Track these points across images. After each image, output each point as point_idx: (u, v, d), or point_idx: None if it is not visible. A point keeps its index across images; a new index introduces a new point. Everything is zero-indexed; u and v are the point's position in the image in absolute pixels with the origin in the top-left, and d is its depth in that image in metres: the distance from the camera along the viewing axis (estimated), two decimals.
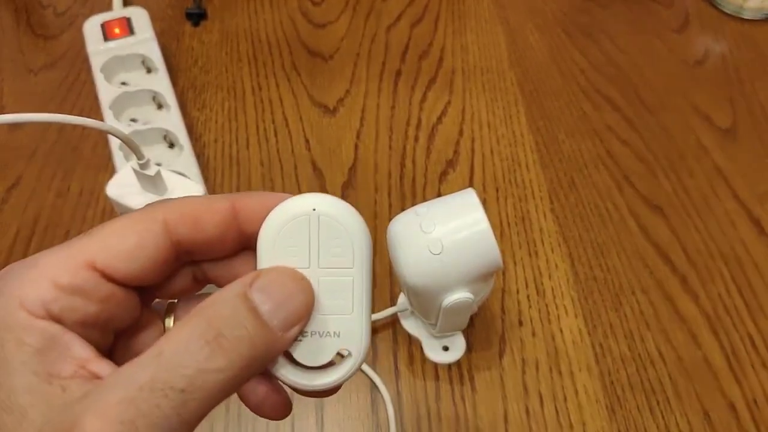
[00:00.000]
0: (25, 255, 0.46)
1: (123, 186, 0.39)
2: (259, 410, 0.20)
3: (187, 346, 0.16)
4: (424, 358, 0.41)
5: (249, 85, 0.56)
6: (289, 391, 0.21)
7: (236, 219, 0.19)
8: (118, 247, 0.18)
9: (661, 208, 0.48)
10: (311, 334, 0.19)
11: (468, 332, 0.41)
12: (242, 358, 0.17)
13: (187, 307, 0.21)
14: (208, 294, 0.18)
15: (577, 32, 0.61)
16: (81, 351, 0.17)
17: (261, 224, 0.19)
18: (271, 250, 0.19)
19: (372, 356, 0.41)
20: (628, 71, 0.57)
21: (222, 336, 0.16)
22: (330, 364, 0.20)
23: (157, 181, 0.38)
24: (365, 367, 0.40)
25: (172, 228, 0.19)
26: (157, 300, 0.21)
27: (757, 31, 0.61)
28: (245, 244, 0.20)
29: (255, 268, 0.20)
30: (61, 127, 0.53)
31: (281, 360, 0.19)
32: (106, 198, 0.39)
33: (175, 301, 0.21)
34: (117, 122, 0.49)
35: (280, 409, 0.20)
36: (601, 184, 0.50)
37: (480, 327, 0.42)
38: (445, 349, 0.41)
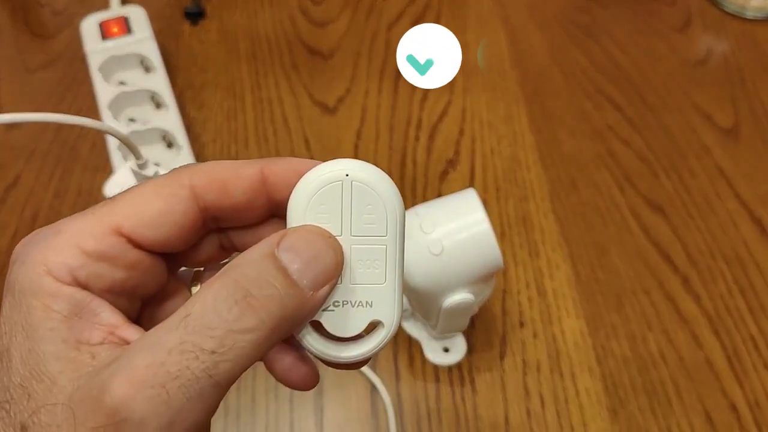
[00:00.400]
0: None
1: (121, 186, 0.39)
2: (285, 380, 0.20)
3: (215, 306, 0.16)
4: (424, 360, 0.40)
5: (248, 84, 0.56)
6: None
7: (265, 185, 0.19)
8: (145, 212, 0.17)
9: (663, 209, 0.48)
10: (342, 304, 0.18)
11: (468, 333, 0.41)
12: (272, 317, 0.16)
13: (213, 272, 0.20)
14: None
15: (578, 32, 0.61)
16: (110, 317, 0.17)
17: (290, 190, 0.18)
18: (301, 217, 0.18)
19: (372, 359, 0.41)
20: (630, 71, 0.57)
21: (251, 295, 0.16)
22: (359, 336, 0.19)
23: None
24: (365, 369, 0.40)
25: (200, 193, 0.18)
26: (182, 268, 0.21)
27: (760, 31, 0.60)
28: (273, 212, 0.19)
29: None
30: (59, 127, 0.53)
31: (309, 330, 0.19)
32: (104, 198, 0.39)
33: (201, 269, 0.21)
34: (115, 122, 0.48)
35: (308, 379, 0.20)
36: (602, 184, 0.49)
37: (480, 328, 0.42)
38: (446, 350, 0.40)
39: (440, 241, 0.34)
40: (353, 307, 0.19)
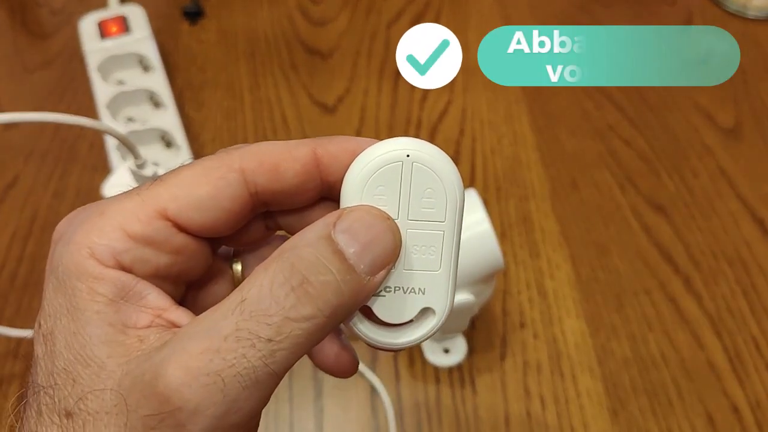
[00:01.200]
0: (21, 255, 0.45)
1: (120, 186, 0.39)
2: (326, 367, 0.19)
3: (271, 292, 0.15)
4: (424, 361, 0.40)
5: (247, 83, 0.56)
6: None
7: (317, 167, 0.18)
8: (192, 196, 0.17)
9: (664, 209, 0.48)
10: (395, 290, 0.18)
11: (469, 334, 0.41)
12: (329, 305, 0.16)
13: (254, 252, 0.20)
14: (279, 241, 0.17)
15: None
16: (156, 300, 0.16)
17: (344, 171, 0.18)
18: (357, 197, 0.17)
19: (372, 359, 0.40)
20: None
21: (308, 282, 0.15)
22: (408, 321, 0.18)
23: None
24: (365, 370, 0.40)
25: (250, 177, 0.17)
26: (222, 246, 0.20)
27: (761, 30, 0.60)
28: (325, 194, 0.19)
29: None
30: (58, 126, 0.52)
31: (359, 315, 0.18)
32: (103, 198, 0.39)
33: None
34: (114, 122, 0.48)
35: (349, 366, 0.19)
36: (603, 184, 0.49)
37: (481, 329, 0.42)
38: (446, 351, 0.40)
39: None
40: (405, 293, 0.18)
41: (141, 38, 0.52)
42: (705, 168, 0.50)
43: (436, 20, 0.61)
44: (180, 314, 0.17)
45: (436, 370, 0.40)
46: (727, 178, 0.49)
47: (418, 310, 0.18)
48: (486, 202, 0.48)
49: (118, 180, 0.39)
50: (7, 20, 0.62)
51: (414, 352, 0.41)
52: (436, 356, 0.40)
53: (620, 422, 0.38)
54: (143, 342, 0.15)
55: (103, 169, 0.49)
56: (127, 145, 0.34)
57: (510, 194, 0.48)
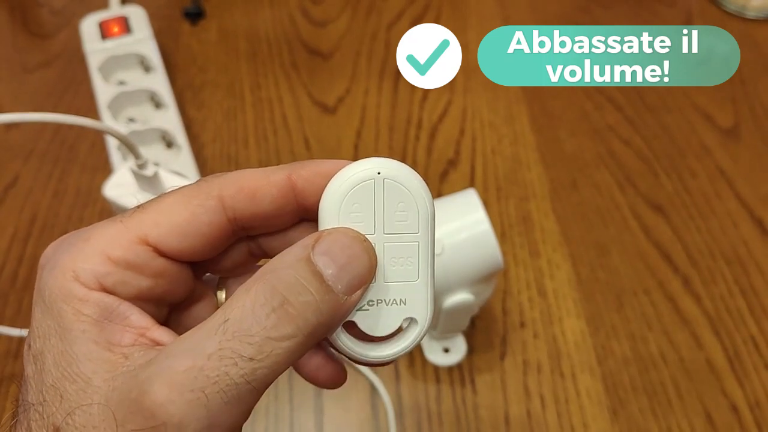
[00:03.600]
0: (21, 256, 0.45)
1: (120, 186, 0.39)
2: (314, 379, 0.20)
3: (253, 312, 0.16)
4: (424, 361, 0.40)
5: (248, 84, 0.56)
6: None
7: (293, 190, 0.19)
8: (172, 222, 0.18)
9: (663, 209, 0.48)
10: (377, 303, 0.18)
11: (469, 334, 0.41)
12: (309, 324, 0.16)
13: (238, 280, 0.21)
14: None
15: None
16: (139, 320, 0.17)
17: (318, 193, 0.19)
18: (334, 217, 0.18)
19: None
20: None
21: (288, 302, 0.16)
22: (392, 334, 0.19)
23: (154, 181, 0.37)
24: (365, 370, 0.40)
25: (229, 203, 0.18)
26: (208, 273, 0.21)
27: (760, 31, 0.60)
28: (303, 216, 0.20)
29: None
30: (58, 126, 0.52)
31: (342, 330, 0.19)
32: (104, 198, 0.39)
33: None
34: (114, 122, 0.48)
35: (336, 377, 0.20)
36: (602, 184, 0.49)
37: (481, 328, 0.42)
38: (446, 351, 0.40)
39: (441, 241, 0.33)
40: (387, 305, 0.19)
41: (142, 39, 0.52)
42: (704, 168, 0.50)
43: (436, 21, 0.62)
44: (162, 333, 0.17)
45: (437, 369, 0.40)
46: (725, 178, 0.50)
47: (401, 320, 0.19)
48: (486, 202, 0.48)
49: (120, 180, 0.39)
50: (7, 20, 0.62)
51: (414, 351, 0.41)
52: (436, 356, 0.40)
53: (620, 421, 0.38)
54: (128, 359, 0.16)
55: (104, 170, 0.49)
56: (128, 146, 0.34)
57: (510, 194, 0.48)
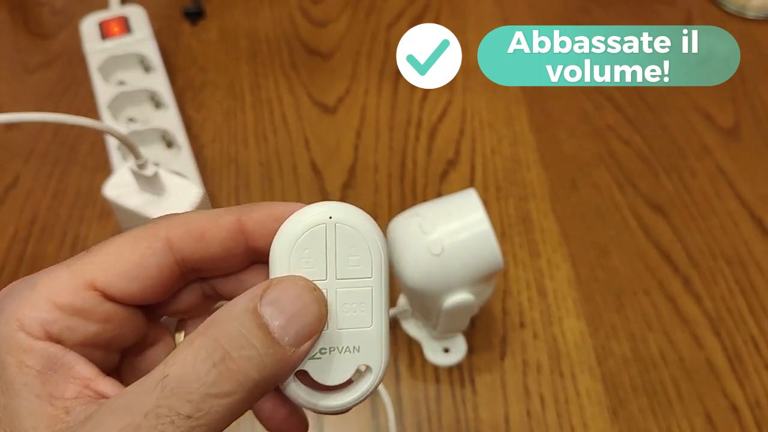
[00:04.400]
0: (22, 256, 0.45)
1: (120, 186, 0.39)
2: (272, 428, 0.20)
3: (194, 368, 0.16)
4: (424, 361, 0.40)
5: (248, 84, 0.56)
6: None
7: (243, 233, 0.19)
8: (119, 266, 0.18)
9: (663, 209, 0.48)
10: (329, 351, 0.18)
11: (469, 334, 0.41)
12: (250, 380, 0.16)
13: (198, 322, 0.20)
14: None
15: None
16: (84, 370, 0.17)
17: (270, 237, 0.18)
18: (285, 263, 0.18)
19: None
20: None
21: (230, 357, 0.16)
22: (347, 382, 0.19)
23: (154, 181, 0.37)
24: None
25: (176, 246, 0.18)
26: (164, 317, 0.21)
27: (760, 31, 0.60)
28: (254, 258, 0.19)
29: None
30: (58, 126, 0.52)
31: (294, 379, 0.18)
32: (104, 198, 0.39)
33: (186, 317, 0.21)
34: (114, 122, 0.48)
35: (296, 426, 0.20)
36: (602, 184, 0.49)
37: (481, 328, 0.42)
38: (446, 351, 0.40)
39: (440, 241, 0.33)
40: (340, 353, 0.18)
41: (142, 39, 0.52)
42: (704, 168, 0.50)
43: (436, 21, 0.62)
44: (107, 385, 0.17)
45: (436, 369, 0.40)
46: (726, 178, 0.50)
47: (354, 369, 0.18)
48: (486, 203, 0.48)
49: (120, 180, 0.39)
50: (8, 20, 0.62)
51: (414, 351, 0.41)
52: (436, 356, 0.40)
53: (620, 422, 0.38)
54: (69, 413, 0.16)
55: (104, 170, 0.49)
56: (128, 146, 0.34)
57: (510, 194, 0.49)
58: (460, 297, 0.34)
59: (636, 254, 0.45)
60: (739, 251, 0.45)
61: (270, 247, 0.18)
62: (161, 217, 0.19)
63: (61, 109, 0.53)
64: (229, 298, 0.20)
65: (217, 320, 0.17)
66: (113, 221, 0.46)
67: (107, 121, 0.48)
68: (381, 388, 0.39)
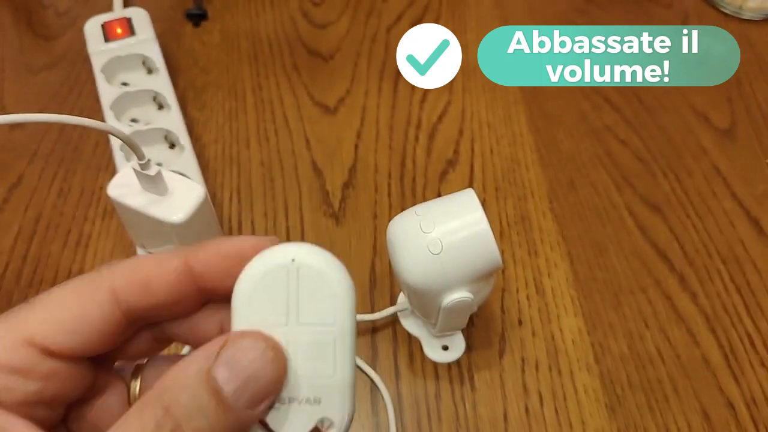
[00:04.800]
0: (26, 255, 0.46)
1: (124, 186, 0.39)
2: None
3: None
4: (423, 358, 0.41)
5: (249, 85, 0.56)
6: None
7: (191, 276, 0.18)
8: (59, 319, 0.17)
9: (660, 208, 0.48)
10: (288, 401, 0.17)
11: (468, 332, 0.42)
12: None
13: (155, 365, 0.20)
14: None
15: None
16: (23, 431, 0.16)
17: (219, 276, 0.18)
18: (246, 307, 0.17)
19: (372, 356, 0.41)
20: None
21: (180, 429, 0.15)
22: None
23: (157, 181, 0.38)
24: (365, 367, 0.40)
25: (121, 295, 0.17)
26: (118, 362, 0.20)
27: (757, 32, 0.61)
28: (207, 299, 0.19)
29: (221, 323, 0.19)
30: (62, 127, 0.53)
31: (254, 429, 0.17)
32: (107, 198, 0.39)
33: (144, 361, 0.20)
34: (118, 122, 0.49)
35: None
36: (599, 184, 0.50)
37: (480, 326, 0.42)
38: (445, 348, 0.41)
39: (439, 240, 0.34)
40: (299, 404, 0.17)
41: (145, 40, 0.53)
42: (700, 168, 0.51)
43: (435, 23, 0.62)
44: None
45: (436, 366, 0.41)
46: (721, 178, 0.50)
47: (314, 423, 0.17)
48: (485, 202, 0.48)
49: (123, 180, 0.39)
50: (12, 22, 0.62)
51: (414, 349, 0.41)
52: (435, 353, 0.41)
53: (617, 418, 0.39)
54: None
55: (108, 170, 0.50)
56: (131, 146, 0.35)
57: (508, 194, 0.49)
58: (459, 295, 0.35)
59: (633, 253, 0.46)
60: (734, 250, 0.46)
61: (220, 284, 0.18)
62: (106, 265, 0.18)
63: (65, 110, 0.54)
64: (183, 341, 0.19)
65: (167, 386, 0.16)
66: (116, 220, 0.47)
67: (110, 121, 0.48)
68: (381, 385, 0.39)
